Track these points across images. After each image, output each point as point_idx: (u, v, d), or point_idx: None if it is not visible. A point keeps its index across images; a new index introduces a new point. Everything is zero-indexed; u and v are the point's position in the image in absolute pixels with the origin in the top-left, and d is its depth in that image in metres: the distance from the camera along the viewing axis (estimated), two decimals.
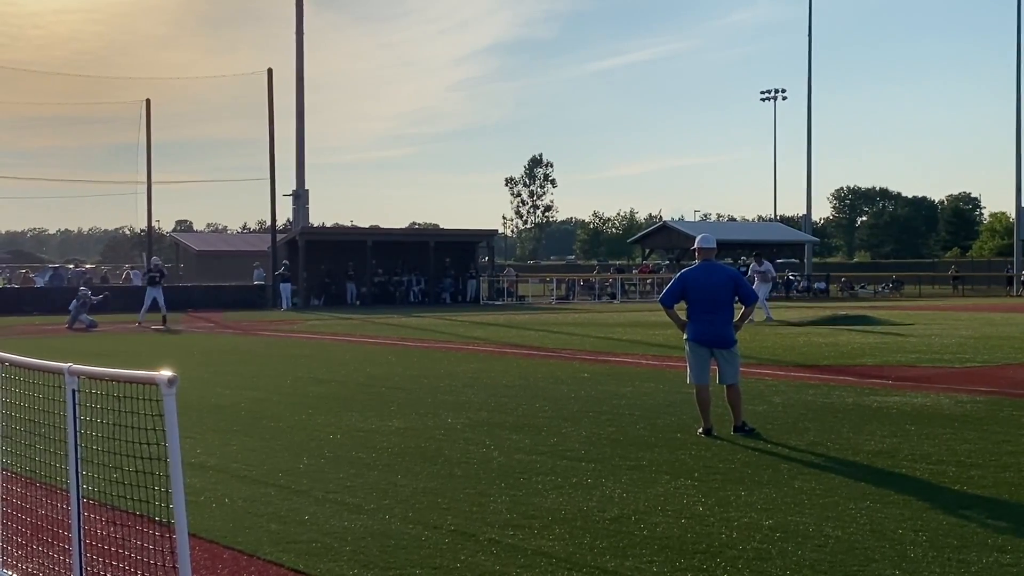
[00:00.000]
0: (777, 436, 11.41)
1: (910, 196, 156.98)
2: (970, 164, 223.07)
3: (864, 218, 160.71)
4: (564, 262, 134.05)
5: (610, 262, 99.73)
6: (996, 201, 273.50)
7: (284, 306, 45.23)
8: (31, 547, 6.45)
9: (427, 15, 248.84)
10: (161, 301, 33.84)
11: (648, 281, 64.29)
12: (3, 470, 6.47)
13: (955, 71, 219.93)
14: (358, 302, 49.96)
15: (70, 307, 33.65)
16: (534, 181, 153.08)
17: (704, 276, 11.88)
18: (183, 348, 25.16)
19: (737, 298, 11.98)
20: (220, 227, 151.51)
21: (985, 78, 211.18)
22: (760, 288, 34.30)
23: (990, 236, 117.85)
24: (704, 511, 8.00)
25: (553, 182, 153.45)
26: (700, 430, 11.60)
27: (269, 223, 51.22)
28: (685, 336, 11.98)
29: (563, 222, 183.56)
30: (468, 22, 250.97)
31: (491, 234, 61.45)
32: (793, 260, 74.59)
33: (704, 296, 11.74)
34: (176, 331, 31.32)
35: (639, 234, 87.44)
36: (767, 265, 36.37)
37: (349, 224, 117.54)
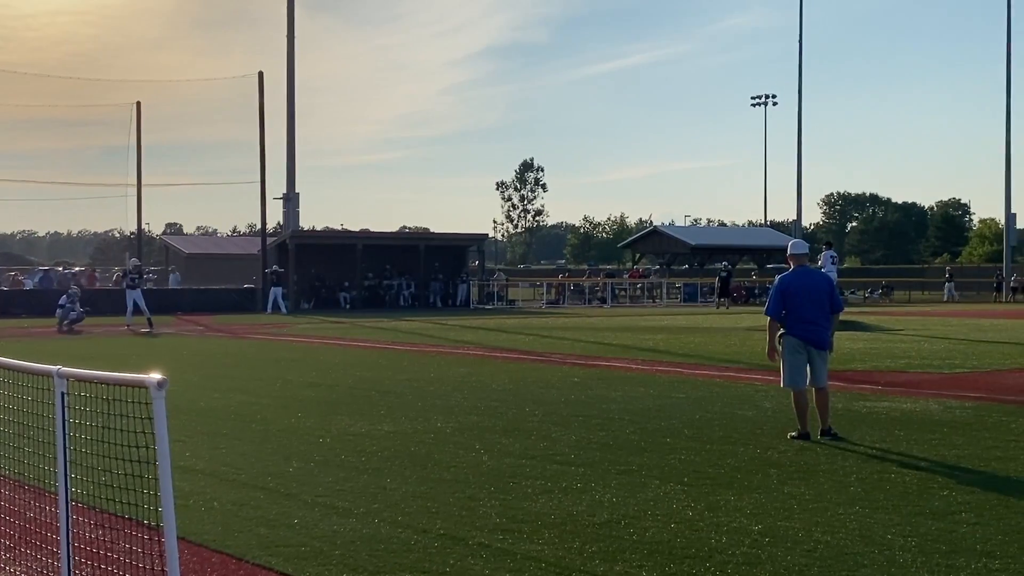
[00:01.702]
0: (767, 441, 11.42)
1: (900, 202, 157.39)
2: (960, 170, 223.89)
3: (854, 224, 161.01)
4: (555, 266, 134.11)
5: (600, 266, 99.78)
6: (986, 207, 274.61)
7: (268, 309, 44.83)
8: (19, 550, 6.43)
9: (420, 19, 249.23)
10: (141, 304, 33.59)
11: (638, 286, 64.37)
12: None
13: (945, 77, 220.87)
14: (348, 306, 49.90)
15: (60, 301, 33.44)
16: (525, 185, 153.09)
17: (803, 280, 11.98)
18: (172, 351, 25.11)
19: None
20: (210, 230, 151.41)
21: (975, 84, 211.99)
22: None
23: (979, 242, 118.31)
24: (694, 516, 8.00)
25: (544, 186, 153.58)
26: (795, 434, 11.60)
27: (259, 226, 51.15)
28: (776, 344, 11.97)
29: (554, 226, 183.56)
30: (461, 26, 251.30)
31: (482, 238, 61.45)
32: (783, 265, 74.69)
33: (806, 300, 11.83)
34: (165, 334, 31.25)
35: (629, 239, 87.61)
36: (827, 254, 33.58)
37: (340, 227, 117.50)
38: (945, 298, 66.99)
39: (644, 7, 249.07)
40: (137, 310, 33.55)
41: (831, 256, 33.38)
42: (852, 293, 69.18)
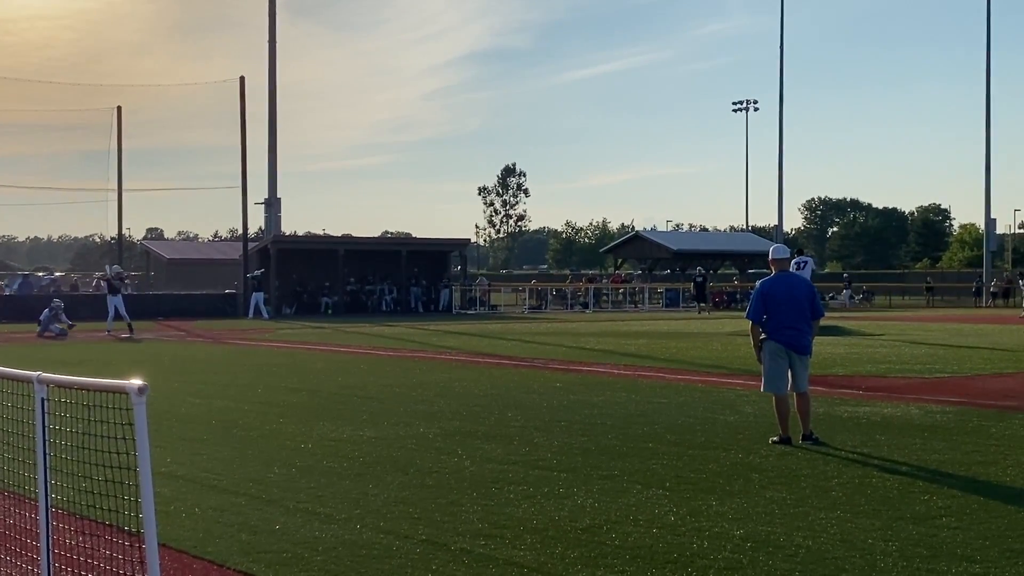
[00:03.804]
0: (749, 446, 11.44)
1: (880, 207, 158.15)
2: (940, 175, 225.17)
3: (835, 228, 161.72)
4: (537, 271, 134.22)
5: (582, 271, 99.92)
6: (966, 212, 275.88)
7: (250, 315, 44.68)
8: None
9: (403, 24, 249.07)
10: (122, 310, 33.65)
11: (620, 291, 64.42)
12: None
13: (926, 83, 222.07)
14: (330, 311, 49.80)
15: (40, 317, 33.41)
16: (507, 190, 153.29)
17: (785, 286, 11.98)
18: (153, 357, 25.00)
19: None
20: (191, 235, 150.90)
21: (955, 90, 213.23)
22: None
23: (960, 247, 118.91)
24: (676, 521, 8.01)
25: (526, 192, 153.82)
26: (776, 439, 11.61)
27: (241, 231, 51.01)
28: (762, 348, 11.96)
29: (536, 231, 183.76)
30: (444, 31, 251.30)
31: (464, 243, 61.40)
32: (765, 271, 74.77)
33: (787, 307, 11.84)
34: (146, 340, 31.14)
35: (611, 244, 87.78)
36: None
37: (322, 232, 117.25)
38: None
39: (625, 13, 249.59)
40: (118, 316, 33.55)
41: (799, 262, 33.11)
42: (833, 298, 69.33)
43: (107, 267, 40.44)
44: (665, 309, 58.92)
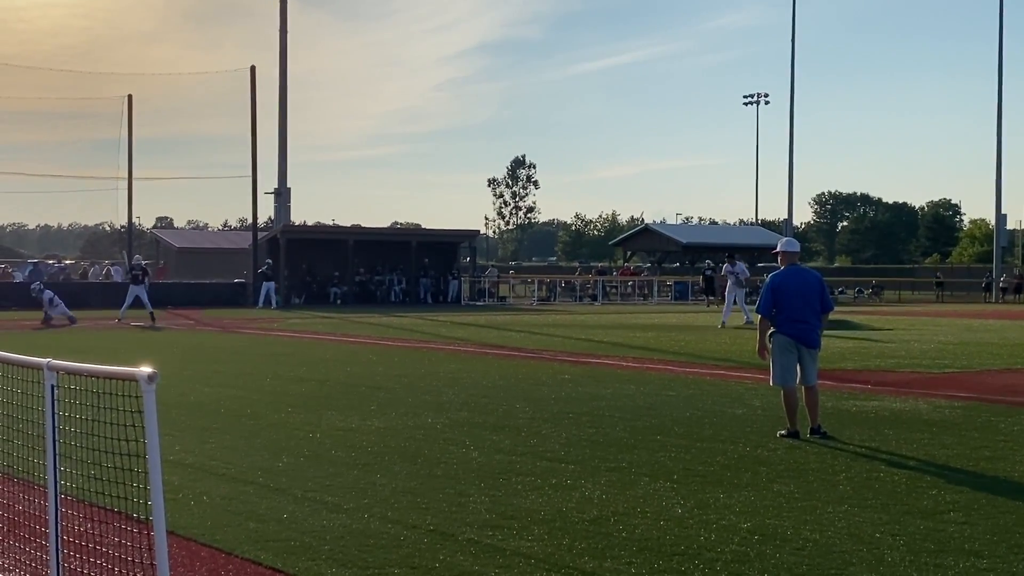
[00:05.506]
0: (757, 439, 11.44)
1: (891, 202, 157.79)
2: (951, 171, 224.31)
3: (845, 223, 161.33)
4: (546, 263, 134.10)
5: (592, 264, 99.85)
6: (976, 208, 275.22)
7: (260, 304, 44.82)
8: (8, 543, 6.41)
9: (413, 15, 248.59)
10: (145, 299, 34.16)
11: (629, 283, 64.40)
12: None
13: (937, 78, 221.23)
14: (339, 301, 49.87)
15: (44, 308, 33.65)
16: (517, 182, 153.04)
17: (795, 280, 11.96)
18: (163, 345, 25.06)
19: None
20: (201, 224, 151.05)
21: (967, 85, 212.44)
22: (736, 291, 34.08)
23: (970, 243, 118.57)
24: (683, 513, 8.01)
25: (536, 183, 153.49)
26: (784, 433, 11.61)
27: (250, 221, 51.06)
28: (767, 342, 11.95)
29: (545, 223, 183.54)
30: (454, 22, 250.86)
31: (473, 235, 61.43)
32: (774, 265, 74.60)
33: (798, 301, 11.82)
34: (156, 328, 31.22)
35: (621, 236, 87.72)
36: (740, 266, 34.91)
37: (331, 222, 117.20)
38: None
39: (637, 5, 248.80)
40: (137, 303, 33.99)
41: (729, 270, 34.17)
42: (842, 292, 69.23)
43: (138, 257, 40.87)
44: (674, 302, 58.90)
